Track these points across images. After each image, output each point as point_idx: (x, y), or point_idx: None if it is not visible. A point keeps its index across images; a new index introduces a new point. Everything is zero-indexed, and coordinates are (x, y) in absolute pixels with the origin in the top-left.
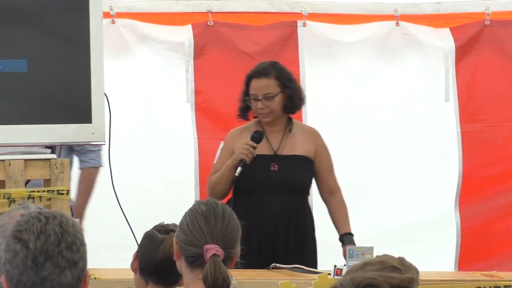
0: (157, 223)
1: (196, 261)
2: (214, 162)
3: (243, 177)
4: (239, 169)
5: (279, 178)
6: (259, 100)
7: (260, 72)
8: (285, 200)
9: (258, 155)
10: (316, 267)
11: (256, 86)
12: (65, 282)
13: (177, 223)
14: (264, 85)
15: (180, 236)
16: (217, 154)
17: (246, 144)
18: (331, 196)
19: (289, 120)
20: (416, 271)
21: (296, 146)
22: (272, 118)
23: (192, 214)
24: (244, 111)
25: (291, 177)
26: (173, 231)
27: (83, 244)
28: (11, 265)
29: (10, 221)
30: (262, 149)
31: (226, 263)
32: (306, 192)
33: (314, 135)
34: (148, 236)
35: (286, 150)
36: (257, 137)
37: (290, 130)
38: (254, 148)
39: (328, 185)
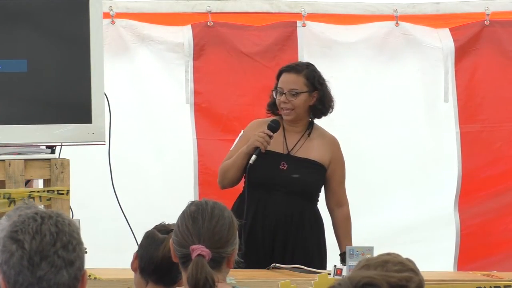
0: (156, 223)
1: (187, 261)
2: (231, 148)
3: (252, 170)
4: (253, 157)
5: (285, 178)
6: (284, 93)
7: (292, 67)
8: (288, 201)
9: (271, 152)
10: (322, 265)
11: (284, 80)
12: (61, 282)
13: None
14: (292, 80)
15: (173, 238)
16: (235, 142)
17: (262, 132)
18: (338, 208)
19: (311, 124)
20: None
21: (311, 151)
22: (294, 117)
23: (182, 216)
24: (273, 106)
25: (298, 178)
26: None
27: (79, 243)
28: (8, 265)
29: None
30: (277, 146)
31: (219, 263)
32: (312, 196)
33: (333, 144)
34: (148, 236)
35: (300, 153)
36: (274, 126)
37: (309, 134)
38: (270, 137)
39: (337, 197)
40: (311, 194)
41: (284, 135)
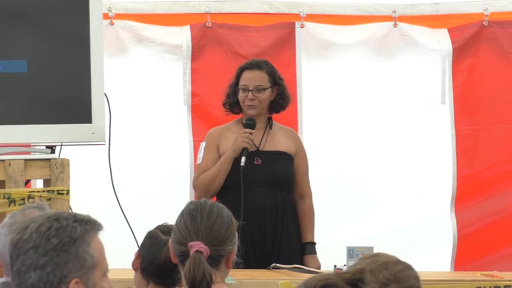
0: (155, 223)
1: (185, 259)
2: (198, 163)
3: (230, 173)
4: (243, 158)
5: (263, 172)
6: (250, 90)
7: (253, 64)
8: (270, 194)
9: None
10: (302, 261)
11: (248, 77)
12: (29, 282)
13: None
14: (257, 77)
15: (172, 237)
16: (200, 155)
17: (244, 133)
18: (301, 200)
19: (269, 118)
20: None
21: (277, 143)
22: (258, 111)
23: (181, 214)
24: (235, 105)
25: (274, 170)
26: None
27: (57, 249)
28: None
29: (23, 220)
30: None
31: (217, 261)
32: (290, 186)
33: (294, 136)
34: (151, 236)
35: (268, 146)
36: (251, 124)
37: (270, 127)
38: (251, 134)
39: (300, 187)
40: (288, 183)
41: None
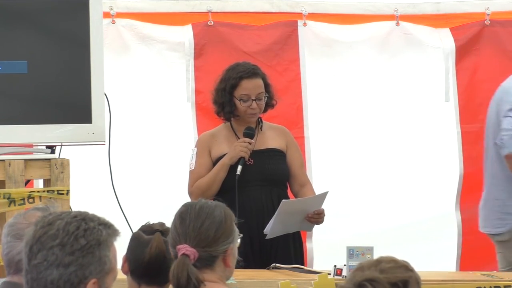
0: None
1: None
2: (191, 169)
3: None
4: (239, 167)
5: (257, 171)
6: (253, 100)
7: (251, 72)
8: (266, 192)
9: None
10: (303, 259)
11: (249, 86)
12: (49, 279)
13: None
14: (258, 85)
15: (169, 240)
16: (192, 161)
17: (243, 142)
18: (302, 187)
19: (259, 118)
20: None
21: (267, 141)
22: (257, 117)
23: (174, 217)
24: (233, 113)
25: (268, 168)
26: (159, 231)
27: (84, 250)
28: (24, 249)
29: (24, 222)
30: None
31: (211, 262)
32: (284, 183)
33: (284, 132)
34: (134, 238)
35: (258, 145)
36: (250, 133)
37: (261, 128)
38: (250, 144)
39: (299, 179)
40: (282, 180)
41: (238, 136)
